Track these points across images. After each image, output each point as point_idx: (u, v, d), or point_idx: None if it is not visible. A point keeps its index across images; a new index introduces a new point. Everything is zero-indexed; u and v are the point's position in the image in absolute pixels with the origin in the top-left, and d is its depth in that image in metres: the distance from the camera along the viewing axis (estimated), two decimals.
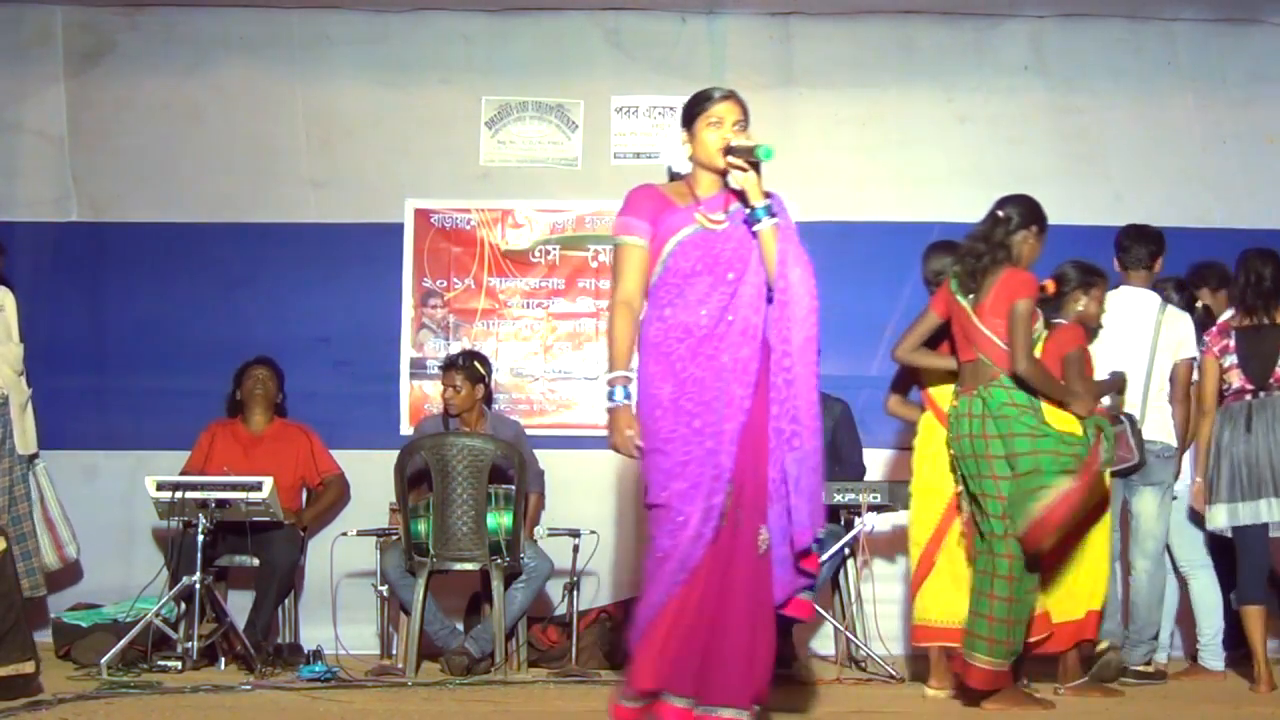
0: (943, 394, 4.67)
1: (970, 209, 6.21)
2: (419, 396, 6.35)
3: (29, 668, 4.42)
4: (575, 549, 5.51)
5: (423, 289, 6.42)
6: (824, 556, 4.44)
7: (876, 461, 5.99)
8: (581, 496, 5.98)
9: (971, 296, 4.42)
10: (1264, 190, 6.37)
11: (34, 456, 5.80)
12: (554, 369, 6.41)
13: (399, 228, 6.43)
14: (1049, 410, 4.37)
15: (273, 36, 6.50)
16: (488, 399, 5.84)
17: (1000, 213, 4.52)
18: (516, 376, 6.41)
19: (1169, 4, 6.39)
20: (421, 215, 6.45)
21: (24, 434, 5.71)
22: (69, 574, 6.01)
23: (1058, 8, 6.44)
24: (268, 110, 6.50)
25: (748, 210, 3.48)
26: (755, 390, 3.44)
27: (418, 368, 6.37)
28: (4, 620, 4.36)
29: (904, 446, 5.36)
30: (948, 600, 4.63)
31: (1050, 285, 4.69)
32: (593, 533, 5.52)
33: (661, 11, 6.50)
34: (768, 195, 3.48)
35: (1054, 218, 6.25)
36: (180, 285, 6.40)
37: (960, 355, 4.49)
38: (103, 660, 5.00)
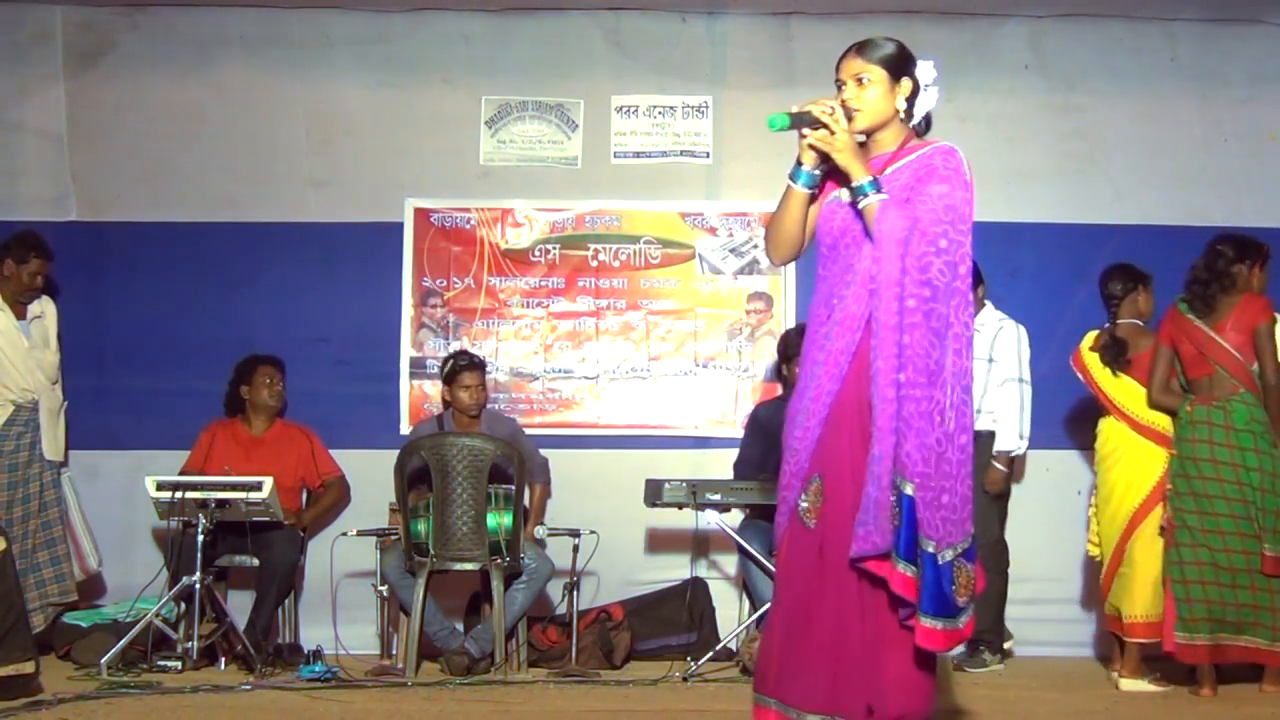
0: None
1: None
2: (419, 396, 6.34)
3: (29, 668, 4.43)
4: (575, 549, 5.51)
5: (423, 288, 6.42)
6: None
7: None
8: (581, 496, 5.98)
9: (1208, 318, 4.84)
10: (1265, 189, 6.35)
11: (61, 465, 5.82)
12: (554, 369, 6.40)
13: (399, 227, 6.42)
14: None
15: (273, 36, 6.48)
16: None
17: (1218, 246, 4.95)
18: (516, 376, 6.40)
19: (1169, 4, 6.37)
20: (421, 215, 6.44)
21: (55, 441, 5.76)
22: (93, 585, 6.02)
23: (1058, 8, 6.43)
24: (268, 110, 6.49)
25: (850, 189, 3.08)
26: (843, 383, 3.04)
27: (418, 367, 6.37)
28: (4, 620, 4.36)
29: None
30: (1150, 596, 4.94)
31: None
32: (593, 533, 5.51)
33: (661, 11, 6.48)
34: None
35: (1054, 217, 6.38)
36: (180, 285, 6.38)
37: (1192, 372, 4.92)
38: (103, 660, 5.01)
